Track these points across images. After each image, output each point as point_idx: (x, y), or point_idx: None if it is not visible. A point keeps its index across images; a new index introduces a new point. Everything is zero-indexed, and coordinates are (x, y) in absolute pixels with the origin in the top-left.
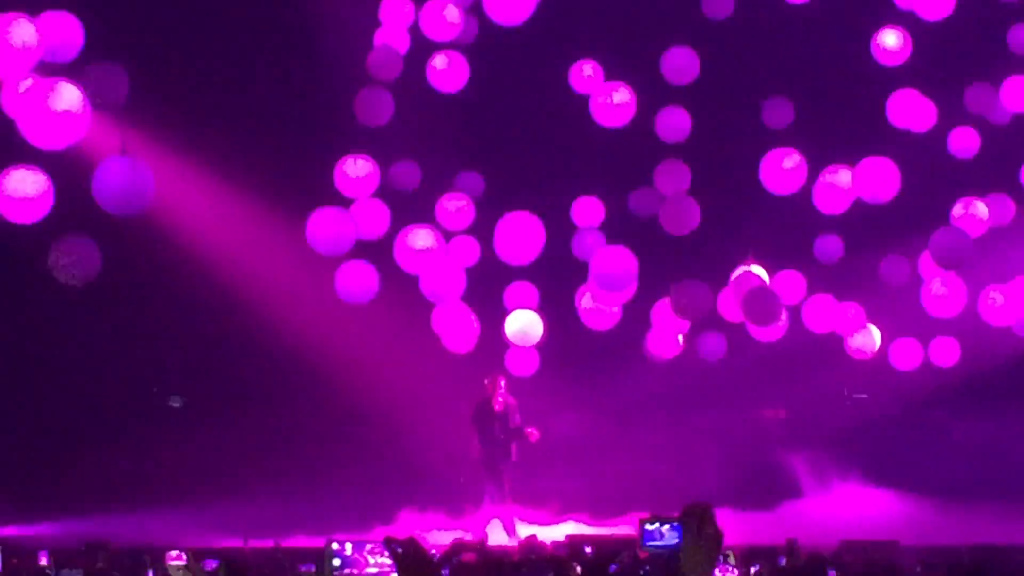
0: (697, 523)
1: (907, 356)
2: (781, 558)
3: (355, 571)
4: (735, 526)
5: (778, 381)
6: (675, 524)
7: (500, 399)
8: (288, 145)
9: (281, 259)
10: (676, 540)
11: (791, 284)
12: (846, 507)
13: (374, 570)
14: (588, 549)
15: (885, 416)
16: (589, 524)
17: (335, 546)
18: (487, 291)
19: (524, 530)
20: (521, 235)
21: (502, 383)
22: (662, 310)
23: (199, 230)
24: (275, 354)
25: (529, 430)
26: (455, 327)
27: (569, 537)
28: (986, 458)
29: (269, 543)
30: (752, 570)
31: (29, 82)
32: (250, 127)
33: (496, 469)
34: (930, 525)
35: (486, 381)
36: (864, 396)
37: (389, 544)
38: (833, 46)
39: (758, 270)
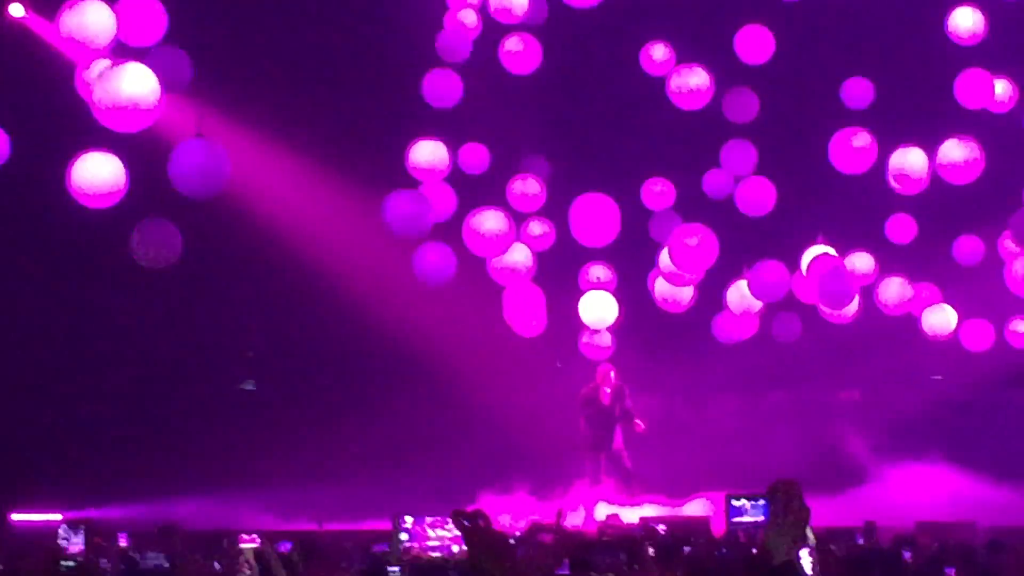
0: (785, 500)
1: (979, 337)
2: (859, 537)
3: (416, 544)
4: (811, 507)
5: (853, 362)
6: (761, 500)
7: (608, 390)
8: (361, 127)
9: (357, 241)
10: (762, 516)
11: (863, 265)
12: (922, 489)
13: (435, 543)
14: (662, 529)
15: (961, 397)
16: (664, 505)
17: (404, 522)
18: (561, 272)
19: (604, 510)
20: (597, 216)
21: (612, 374)
22: (735, 292)
23: (275, 212)
24: (350, 337)
25: (637, 420)
26: (524, 311)
27: (643, 519)
28: None
29: (342, 526)
30: (832, 548)
31: (102, 64)
32: (323, 108)
33: (598, 453)
34: (1006, 506)
35: (598, 371)
36: (939, 377)
37: (457, 517)
38: (907, 25)
39: (828, 250)
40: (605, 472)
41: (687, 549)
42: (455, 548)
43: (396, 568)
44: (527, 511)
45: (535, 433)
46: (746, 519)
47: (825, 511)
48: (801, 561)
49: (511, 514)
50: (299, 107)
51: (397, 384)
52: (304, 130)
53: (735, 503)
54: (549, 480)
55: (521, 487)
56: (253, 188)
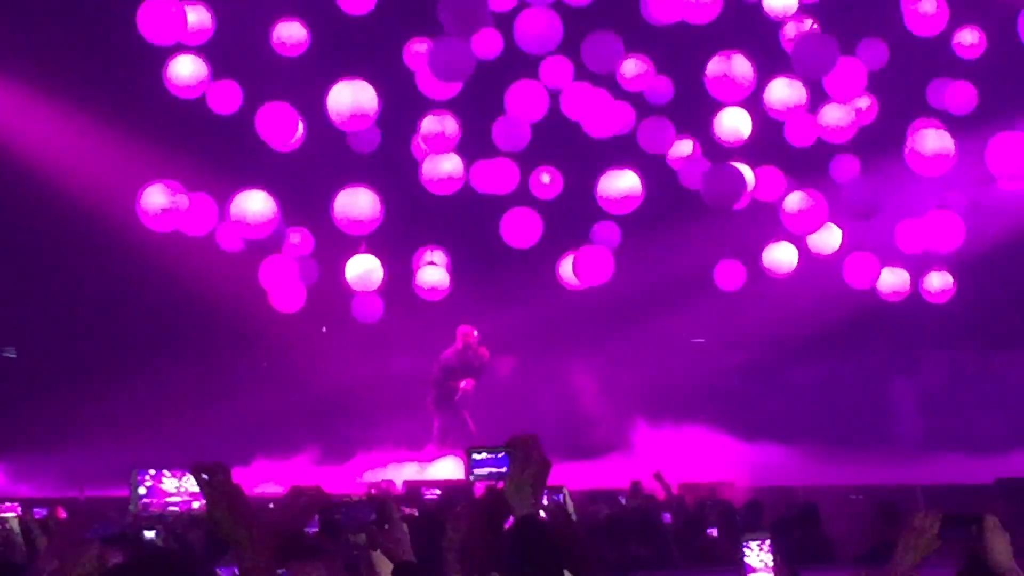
0: (524, 452)
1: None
2: (622, 498)
3: (154, 500)
4: (578, 472)
5: (618, 327)
6: (501, 453)
7: (473, 349)
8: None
9: (120, 200)
10: (504, 468)
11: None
12: (687, 451)
13: (175, 498)
14: (437, 493)
15: (726, 362)
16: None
17: (143, 477)
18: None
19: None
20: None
21: (475, 333)
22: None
23: (29, 165)
24: (117, 302)
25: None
26: (281, 285)
27: (407, 483)
28: (820, 402)
29: (105, 492)
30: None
31: None
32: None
33: (446, 416)
34: (770, 467)
35: (459, 333)
36: (702, 341)
37: (196, 471)
38: None
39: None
40: (452, 435)
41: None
42: (195, 504)
43: (152, 532)
44: (306, 477)
45: (319, 397)
46: (486, 471)
47: (591, 474)
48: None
49: (279, 482)
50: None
51: (163, 348)
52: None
53: (476, 455)
54: (339, 444)
55: (307, 452)
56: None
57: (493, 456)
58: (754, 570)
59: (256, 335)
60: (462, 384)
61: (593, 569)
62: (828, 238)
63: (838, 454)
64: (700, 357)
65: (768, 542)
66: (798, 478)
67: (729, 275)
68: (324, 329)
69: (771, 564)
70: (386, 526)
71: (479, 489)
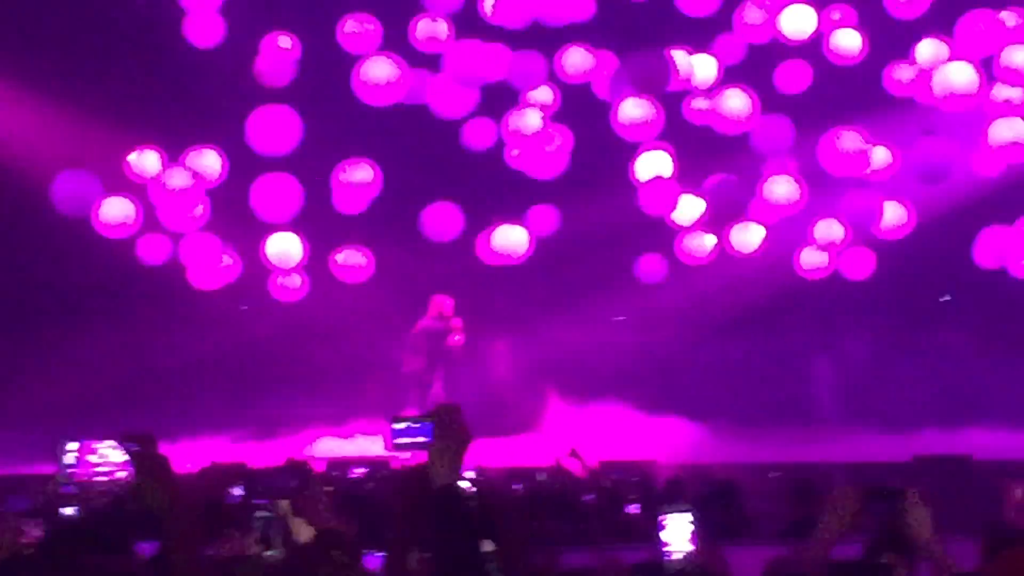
0: (445, 422)
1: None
2: (540, 476)
3: (80, 471)
4: (495, 449)
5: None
6: (424, 423)
7: (447, 319)
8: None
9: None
10: (425, 438)
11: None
12: (607, 429)
13: (103, 469)
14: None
15: (644, 339)
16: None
17: (66, 448)
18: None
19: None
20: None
21: (450, 305)
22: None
23: None
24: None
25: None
26: (201, 263)
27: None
28: (738, 381)
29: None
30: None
31: None
32: None
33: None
34: (688, 445)
35: (432, 303)
36: (623, 319)
37: (125, 441)
38: None
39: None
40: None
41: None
42: (121, 474)
43: (72, 509)
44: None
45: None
46: (407, 440)
47: (508, 452)
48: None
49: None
50: None
51: (80, 322)
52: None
53: (397, 425)
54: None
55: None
56: None
57: (415, 426)
58: (669, 544)
59: (175, 312)
60: (452, 339)
61: (518, 541)
62: (749, 235)
63: (756, 432)
64: (620, 335)
65: (688, 516)
66: (716, 456)
67: (650, 269)
68: (244, 307)
69: (690, 537)
70: (305, 492)
71: (398, 461)
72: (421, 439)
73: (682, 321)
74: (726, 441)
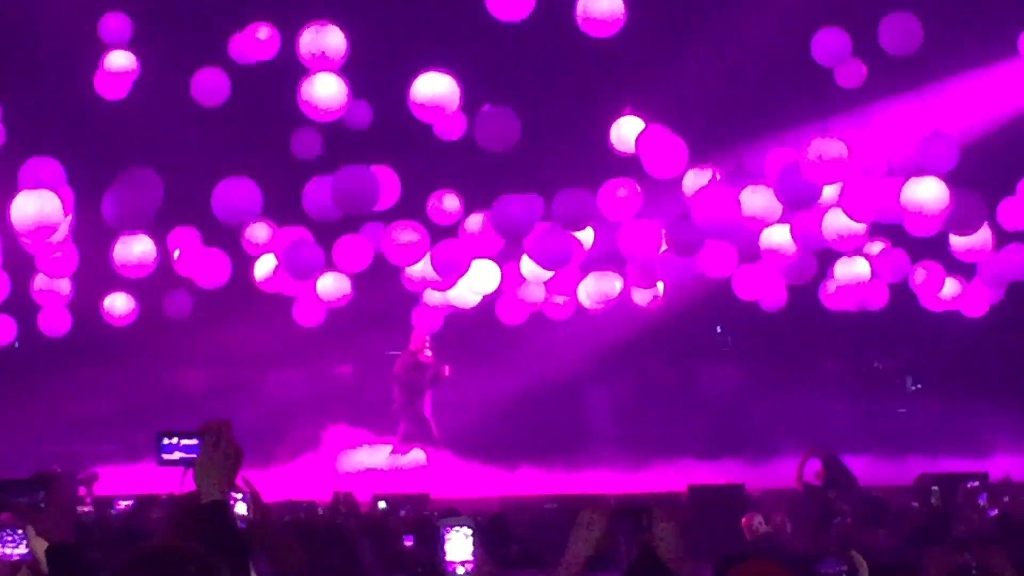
0: (215, 438)
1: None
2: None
3: None
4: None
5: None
6: (194, 440)
7: (428, 353)
8: None
9: None
10: (194, 454)
11: None
12: (380, 465)
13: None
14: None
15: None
16: None
17: None
18: None
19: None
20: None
21: (428, 338)
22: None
23: None
24: None
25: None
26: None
27: None
28: (513, 414)
29: None
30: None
31: None
32: None
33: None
34: (464, 479)
35: (413, 337)
36: (397, 353)
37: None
38: None
39: None
40: (415, 437)
41: None
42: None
43: None
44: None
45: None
46: (177, 455)
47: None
48: (236, 506)
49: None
50: None
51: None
52: None
53: (167, 440)
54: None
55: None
56: None
57: (188, 442)
58: (449, 554)
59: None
60: (445, 371)
61: (290, 554)
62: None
63: (531, 465)
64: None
65: (468, 530)
66: (492, 489)
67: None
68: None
69: (472, 550)
70: (44, 506)
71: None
72: (191, 455)
73: (458, 354)
74: (500, 474)
